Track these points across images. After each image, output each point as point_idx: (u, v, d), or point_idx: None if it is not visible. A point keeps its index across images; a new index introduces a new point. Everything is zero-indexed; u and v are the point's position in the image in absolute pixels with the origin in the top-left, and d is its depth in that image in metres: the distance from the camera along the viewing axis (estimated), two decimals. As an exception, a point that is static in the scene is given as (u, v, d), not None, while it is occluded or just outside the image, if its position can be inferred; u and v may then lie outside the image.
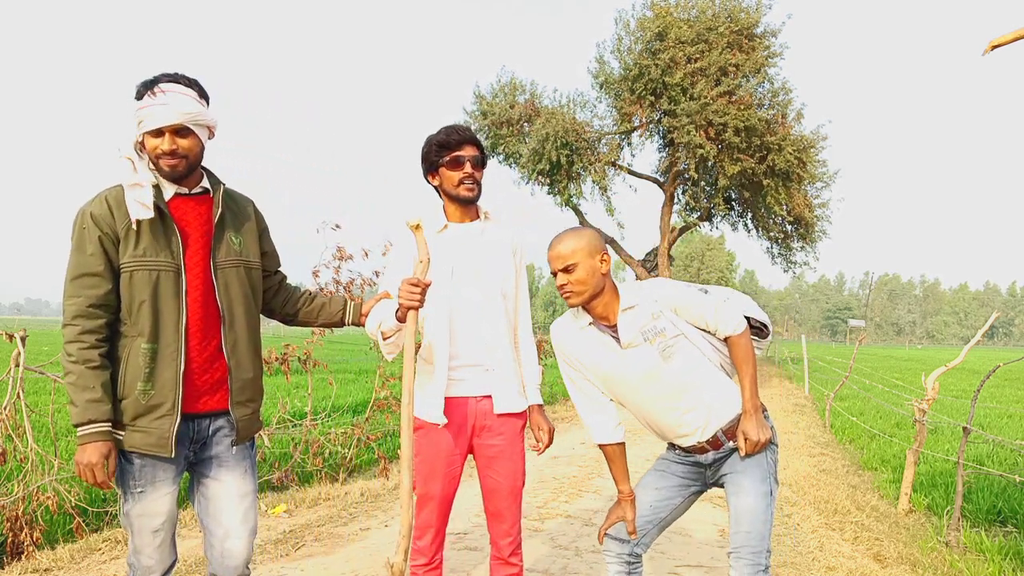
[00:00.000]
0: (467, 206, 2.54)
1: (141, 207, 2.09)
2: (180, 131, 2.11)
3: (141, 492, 2.12)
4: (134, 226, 2.10)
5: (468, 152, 2.49)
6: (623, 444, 2.55)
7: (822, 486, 6.10)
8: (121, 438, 2.12)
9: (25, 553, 3.87)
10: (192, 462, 2.25)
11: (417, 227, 2.27)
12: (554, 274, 2.38)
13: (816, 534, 4.72)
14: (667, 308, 2.38)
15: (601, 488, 6.05)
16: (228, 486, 2.26)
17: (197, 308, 2.18)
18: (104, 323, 2.09)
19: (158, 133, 2.10)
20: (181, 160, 2.13)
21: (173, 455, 2.13)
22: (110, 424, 2.07)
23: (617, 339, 2.39)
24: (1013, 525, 5.27)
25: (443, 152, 2.50)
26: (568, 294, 2.35)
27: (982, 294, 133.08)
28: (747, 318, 2.48)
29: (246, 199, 2.41)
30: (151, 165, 2.14)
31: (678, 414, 2.40)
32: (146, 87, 2.12)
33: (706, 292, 2.45)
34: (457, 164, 2.49)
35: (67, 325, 2.07)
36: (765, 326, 2.57)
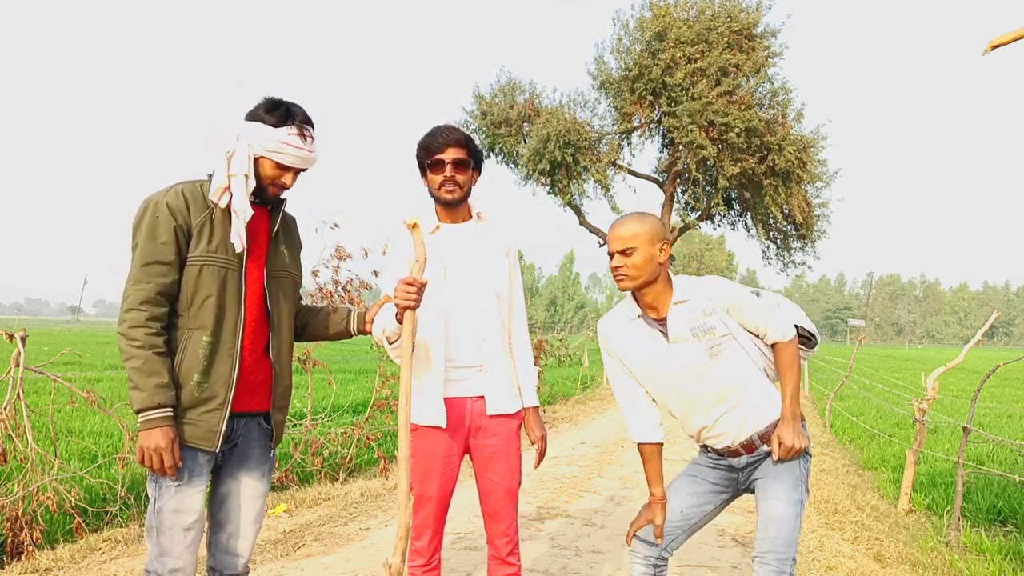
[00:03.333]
0: (453, 208, 2.54)
1: (248, 202, 2.17)
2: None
3: (178, 486, 2.11)
4: (220, 207, 2.17)
5: (450, 154, 2.48)
6: (661, 445, 2.51)
7: (822, 486, 6.09)
8: None
9: (25, 553, 3.87)
10: (217, 460, 2.26)
11: (414, 225, 2.26)
12: (611, 255, 2.35)
13: (816, 534, 4.72)
14: (720, 307, 2.35)
15: (601, 488, 6.05)
16: (246, 486, 2.29)
17: (253, 310, 2.25)
18: (166, 312, 2.12)
19: (281, 167, 2.23)
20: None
21: (217, 449, 2.15)
22: (174, 410, 2.08)
23: (665, 333, 2.36)
24: (1013, 525, 5.27)
25: (427, 155, 2.52)
26: (621, 277, 2.33)
27: (982, 294, 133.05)
28: (796, 327, 2.46)
29: (292, 217, 2.48)
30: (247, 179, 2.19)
31: (717, 414, 2.38)
32: (290, 118, 2.20)
33: (758, 295, 2.43)
34: (438, 167, 2.50)
35: (133, 310, 2.07)
36: (813, 336, 2.56)
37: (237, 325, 2.19)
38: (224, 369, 2.16)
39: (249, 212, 2.18)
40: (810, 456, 2.43)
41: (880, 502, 5.99)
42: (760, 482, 2.41)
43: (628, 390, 2.50)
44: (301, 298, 2.59)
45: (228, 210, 2.18)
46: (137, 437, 2.08)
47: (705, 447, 2.54)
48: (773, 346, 2.40)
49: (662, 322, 2.37)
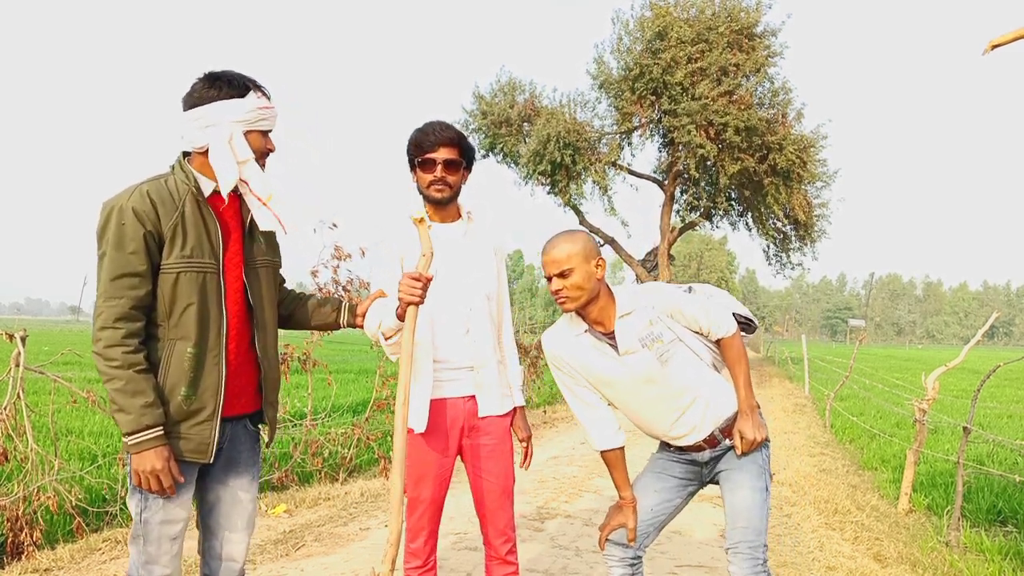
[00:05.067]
0: (441, 207, 2.52)
1: (267, 180, 2.13)
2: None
3: (167, 497, 2.03)
4: (224, 192, 2.07)
5: (441, 154, 2.45)
6: (623, 449, 2.54)
7: (822, 486, 6.09)
8: None
9: (25, 553, 3.87)
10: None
11: (421, 220, 2.24)
12: (548, 279, 2.36)
13: (816, 534, 4.72)
14: (663, 314, 2.38)
15: (601, 488, 6.05)
16: (236, 491, 2.21)
17: (235, 309, 2.13)
18: (143, 325, 2.00)
19: (264, 134, 2.15)
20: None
21: (212, 461, 2.08)
22: (163, 428, 1.99)
23: (614, 346, 2.39)
24: (1013, 525, 5.27)
25: (417, 152, 2.48)
26: (563, 299, 2.34)
27: (982, 294, 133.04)
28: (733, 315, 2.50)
29: None
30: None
31: (676, 415, 2.42)
32: (250, 87, 2.10)
33: (690, 290, 2.47)
34: (428, 166, 2.46)
35: (106, 328, 1.94)
36: (751, 321, 2.61)
37: (221, 331, 2.08)
38: (212, 379, 2.06)
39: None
40: (768, 441, 2.48)
41: (880, 502, 5.98)
42: (724, 474, 2.46)
43: (583, 400, 2.52)
44: (284, 280, 2.48)
45: (199, 208, 2.07)
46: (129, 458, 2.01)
47: (667, 444, 2.57)
48: (718, 343, 2.44)
49: (610, 336, 2.39)
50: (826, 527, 4.90)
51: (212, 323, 2.07)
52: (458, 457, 2.57)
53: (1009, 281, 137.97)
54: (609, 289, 2.40)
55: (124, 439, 1.98)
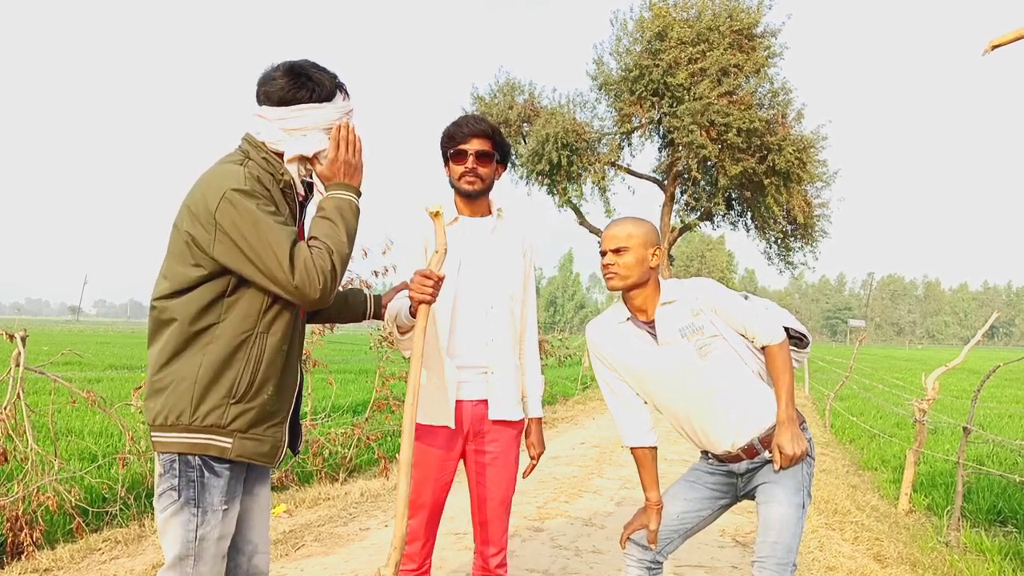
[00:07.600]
0: (472, 200, 2.48)
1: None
2: None
3: (226, 510, 1.87)
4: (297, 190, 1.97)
5: (473, 146, 2.42)
6: (655, 449, 2.50)
7: (822, 486, 6.09)
8: (228, 446, 1.83)
9: (25, 553, 3.87)
10: None
11: (436, 214, 2.19)
12: (603, 254, 2.36)
13: (816, 534, 4.71)
14: (707, 307, 2.35)
15: (601, 488, 6.05)
16: (261, 500, 2.08)
17: (301, 310, 2.00)
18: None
19: None
20: None
21: (276, 466, 1.95)
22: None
23: (654, 335, 2.36)
24: (1013, 525, 5.27)
25: (450, 144, 2.46)
26: (611, 275, 2.34)
27: (982, 294, 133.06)
28: (786, 329, 2.44)
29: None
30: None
31: (712, 416, 2.36)
32: (336, 88, 1.96)
33: (746, 298, 2.43)
34: (460, 157, 2.43)
35: (290, 255, 1.77)
36: (805, 336, 2.55)
37: (301, 328, 1.98)
38: (290, 380, 1.95)
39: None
40: (812, 459, 2.40)
41: (880, 502, 5.99)
42: (761, 487, 2.39)
43: (620, 394, 2.50)
44: None
45: (285, 197, 1.94)
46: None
47: (705, 453, 2.52)
48: (763, 350, 2.39)
49: (651, 324, 2.38)
50: (826, 527, 4.90)
51: (297, 320, 1.96)
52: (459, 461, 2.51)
53: (1010, 281, 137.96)
54: (659, 280, 2.39)
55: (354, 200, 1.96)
